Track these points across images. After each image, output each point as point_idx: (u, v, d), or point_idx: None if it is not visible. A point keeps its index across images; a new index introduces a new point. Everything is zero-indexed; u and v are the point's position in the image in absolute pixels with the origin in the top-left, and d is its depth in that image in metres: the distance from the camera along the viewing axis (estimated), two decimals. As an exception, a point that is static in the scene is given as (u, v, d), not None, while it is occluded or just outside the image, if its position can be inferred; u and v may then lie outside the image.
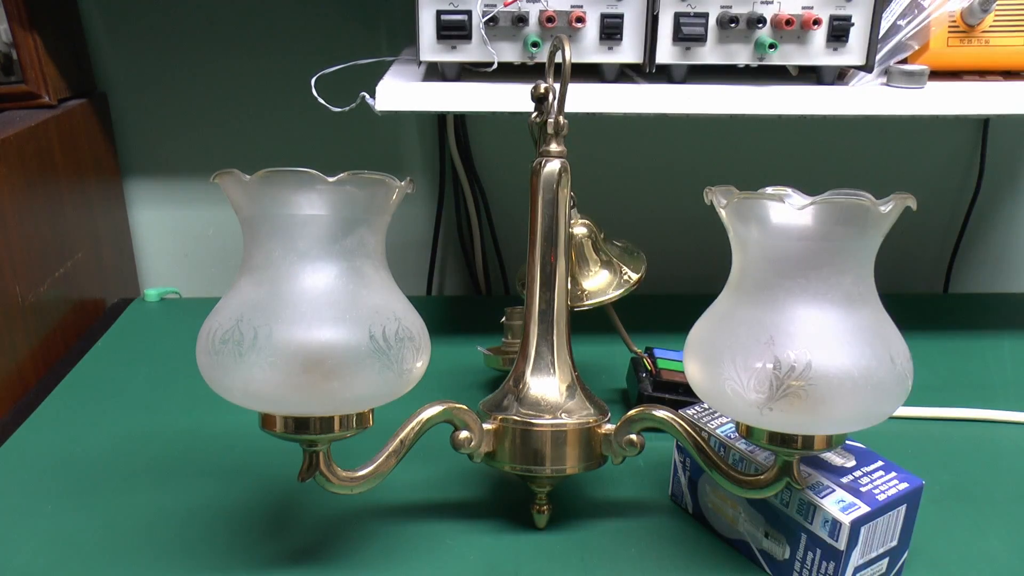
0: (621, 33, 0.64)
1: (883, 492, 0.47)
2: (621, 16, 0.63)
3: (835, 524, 0.46)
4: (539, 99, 0.52)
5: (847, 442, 0.52)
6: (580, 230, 0.63)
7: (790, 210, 0.43)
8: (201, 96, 0.94)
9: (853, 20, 0.64)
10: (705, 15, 0.63)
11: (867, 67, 0.66)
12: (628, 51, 0.65)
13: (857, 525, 0.46)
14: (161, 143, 0.96)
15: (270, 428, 0.45)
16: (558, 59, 0.50)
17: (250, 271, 0.44)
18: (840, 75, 0.68)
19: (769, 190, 0.49)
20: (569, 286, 0.54)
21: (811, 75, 0.69)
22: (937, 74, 0.68)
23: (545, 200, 0.52)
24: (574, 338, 0.55)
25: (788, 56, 0.65)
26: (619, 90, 0.65)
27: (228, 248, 1.00)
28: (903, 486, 0.48)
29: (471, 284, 1.02)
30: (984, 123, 0.97)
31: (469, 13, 0.62)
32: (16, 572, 0.50)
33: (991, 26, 0.68)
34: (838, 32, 0.64)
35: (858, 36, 0.65)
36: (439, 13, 0.62)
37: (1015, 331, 0.86)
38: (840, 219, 0.43)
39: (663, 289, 1.00)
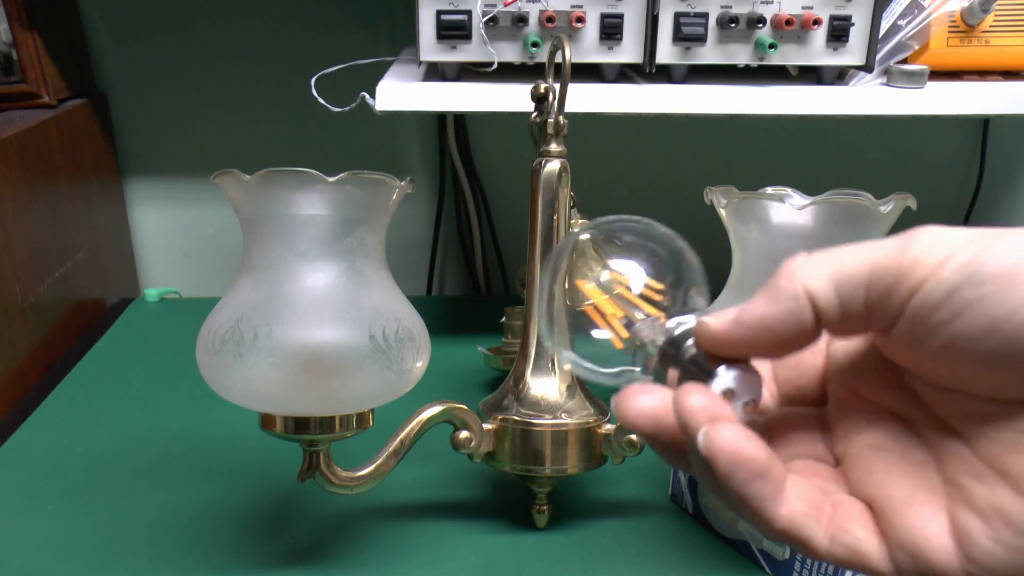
0: (621, 33, 0.64)
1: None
2: (621, 16, 0.63)
3: (835, 524, 0.46)
4: (539, 99, 0.52)
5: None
6: (580, 230, 0.63)
7: (790, 210, 0.43)
8: (201, 96, 0.94)
9: (853, 20, 0.64)
10: (705, 15, 0.63)
11: (867, 67, 0.66)
12: (628, 51, 0.65)
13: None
14: (161, 143, 0.96)
15: (270, 428, 0.45)
16: (558, 59, 0.50)
17: (250, 271, 0.44)
18: (840, 75, 0.68)
19: (769, 190, 0.49)
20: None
21: (811, 75, 0.69)
22: (937, 74, 0.68)
23: (545, 200, 0.52)
24: (574, 338, 0.55)
25: (788, 56, 0.65)
26: (619, 90, 0.65)
27: (228, 248, 1.00)
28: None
29: (471, 284, 1.02)
30: (984, 123, 0.97)
31: (469, 13, 0.62)
32: (16, 572, 0.50)
33: (991, 26, 0.68)
34: (838, 32, 0.64)
35: (858, 36, 0.65)
36: (439, 13, 0.62)
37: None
38: (840, 219, 0.43)
39: (663, 289, 1.00)
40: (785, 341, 0.26)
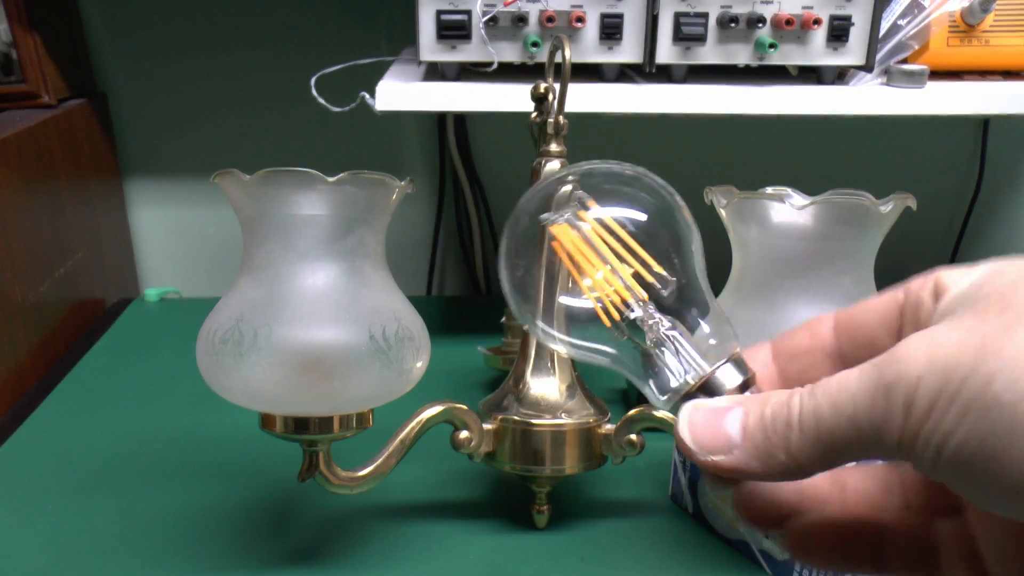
0: (621, 33, 0.64)
1: (883, 492, 0.47)
2: (621, 16, 0.63)
3: (835, 524, 0.46)
4: (539, 99, 0.52)
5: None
6: (580, 230, 0.63)
7: (790, 210, 0.43)
8: (201, 96, 0.94)
9: (853, 20, 0.64)
10: (705, 15, 0.63)
11: (867, 67, 0.66)
12: (628, 51, 0.65)
13: (857, 525, 0.46)
14: (161, 143, 0.96)
15: (270, 428, 0.45)
16: (558, 59, 0.50)
17: (250, 271, 0.44)
18: (840, 75, 0.68)
19: (769, 190, 0.49)
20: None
21: (811, 75, 0.69)
22: (937, 74, 0.68)
23: (545, 200, 0.52)
24: (574, 338, 0.55)
25: (788, 56, 0.65)
26: (619, 90, 0.65)
27: (228, 248, 1.00)
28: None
29: (471, 284, 1.02)
30: (984, 123, 0.97)
31: (469, 13, 0.62)
32: (16, 572, 0.50)
33: (991, 26, 0.68)
34: (838, 32, 0.64)
35: (858, 36, 0.65)
36: (439, 13, 0.62)
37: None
38: (840, 219, 0.43)
39: (663, 289, 1.00)
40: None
